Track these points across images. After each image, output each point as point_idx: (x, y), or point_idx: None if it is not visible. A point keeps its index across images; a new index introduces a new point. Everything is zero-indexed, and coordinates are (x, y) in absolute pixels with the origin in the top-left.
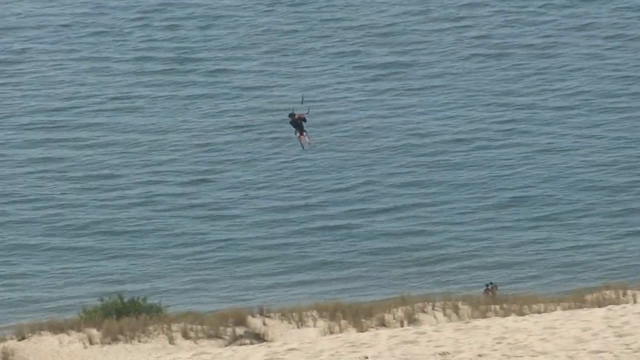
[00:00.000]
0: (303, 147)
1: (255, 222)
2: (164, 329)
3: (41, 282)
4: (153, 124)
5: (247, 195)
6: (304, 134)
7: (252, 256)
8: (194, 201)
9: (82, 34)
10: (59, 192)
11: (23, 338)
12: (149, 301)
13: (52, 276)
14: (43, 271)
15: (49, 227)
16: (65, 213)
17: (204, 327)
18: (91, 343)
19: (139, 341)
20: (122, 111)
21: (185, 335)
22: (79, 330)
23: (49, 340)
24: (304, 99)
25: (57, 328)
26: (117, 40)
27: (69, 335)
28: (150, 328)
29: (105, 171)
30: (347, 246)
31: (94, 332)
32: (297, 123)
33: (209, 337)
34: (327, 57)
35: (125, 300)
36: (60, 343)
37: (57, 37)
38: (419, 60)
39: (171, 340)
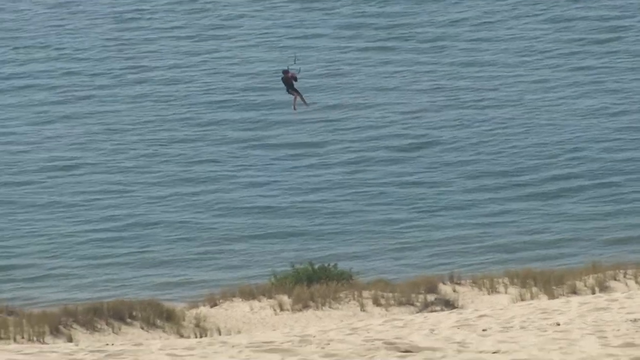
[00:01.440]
0: (294, 108)
1: (466, 189)
2: (355, 296)
3: (236, 253)
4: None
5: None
6: (295, 94)
7: (447, 223)
8: (405, 170)
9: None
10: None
11: (215, 305)
12: (339, 268)
13: (247, 253)
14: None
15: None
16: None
17: (395, 294)
18: (282, 309)
19: (330, 308)
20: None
21: (376, 302)
22: (269, 297)
23: (240, 307)
24: (297, 59)
25: (248, 294)
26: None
27: (259, 301)
28: (341, 295)
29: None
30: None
31: (284, 298)
32: (288, 82)
33: (400, 304)
34: None
35: (316, 267)
36: (251, 309)
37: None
38: None
39: (362, 307)
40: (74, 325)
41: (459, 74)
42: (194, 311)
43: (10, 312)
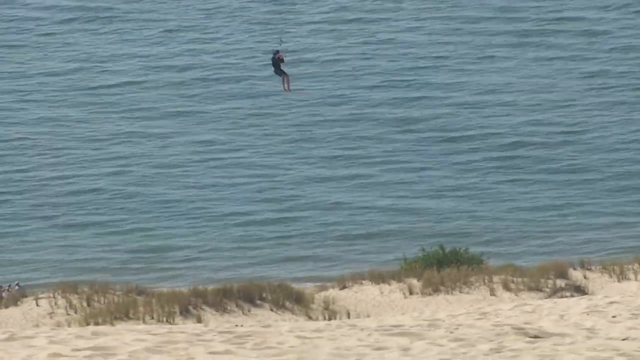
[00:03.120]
0: (286, 89)
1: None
2: (485, 281)
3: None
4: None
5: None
6: (283, 75)
7: (589, 210)
8: (555, 160)
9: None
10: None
11: (344, 287)
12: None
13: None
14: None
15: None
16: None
17: (525, 279)
18: (411, 293)
19: (460, 292)
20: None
21: (506, 287)
22: (399, 281)
23: (369, 290)
24: (282, 41)
25: (378, 278)
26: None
27: (389, 285)
28: (472, 279)
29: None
30: None
31: (414, 282)
32: (277, 63)
33: (530, 289)
34: None
35: (447, 251)
36: (381, 292)
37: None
38: None
39: (492, 292)
40: (203, 306)
41: None
42: (323, 294)
43: (140, 292)
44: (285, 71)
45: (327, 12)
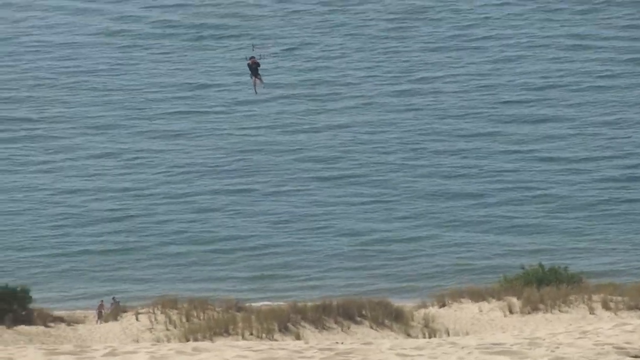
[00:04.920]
0: (255, 92)
1: None
2: (585, 299)
3: (473, 250)
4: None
5: None
6: (258, 77)
7: None
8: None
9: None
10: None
11: (444, 305)
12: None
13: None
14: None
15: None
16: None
17: (625, 298)
18: (511, 312)
19: (560, 311)
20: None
21: (606, 306)
22: (498, 299)
23: (469, 308)
24: (255, 47)
25: (477, 295)
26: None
27: (488, 302)
28: (571, 298)
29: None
30: None
31: (513, 300)
32: (252, 67)
33: (629, 308)
34: None
35: (547, 269)
36: (480, 310)
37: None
38: None
39: (591, 311)
40: (302, 323)
41: None
42: (422, 311)
43: (239, 309)
44: (259, 74)
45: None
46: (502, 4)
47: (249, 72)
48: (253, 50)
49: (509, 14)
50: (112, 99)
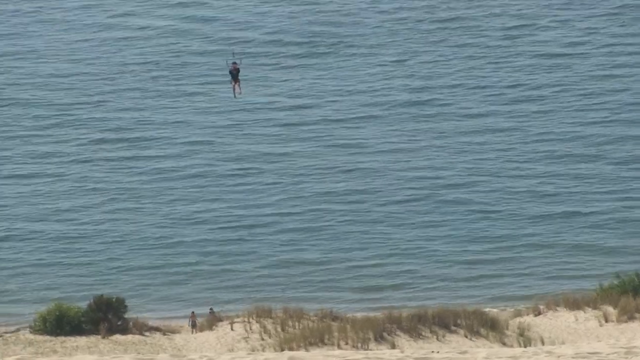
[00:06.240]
0: (234, 96)
1: None
2: None
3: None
4: None
5: None
6: (238, 83)
7: None
8: None
9: None
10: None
11: (539, 314)
12: None
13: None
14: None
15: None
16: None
17: None
18: (607, 321)
19: None
20: None
21: None
22: (594, 308)
23: (564, 317)
24: (235, 54)
25: (573, 304)
26: None
27: (584, 312)
28: None
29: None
30: None
31: (609, 309)
32: (233, 73)
33: None
34: None
35: None
36: (576, 319)
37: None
38: None
39: None
40: (397, 332)
41: None
42: (517, 319)
43: (334, 318)
44: (238, 79)
45: None
46: None
47: (230, 77)
48: (233, 56)
49: None
50: None
